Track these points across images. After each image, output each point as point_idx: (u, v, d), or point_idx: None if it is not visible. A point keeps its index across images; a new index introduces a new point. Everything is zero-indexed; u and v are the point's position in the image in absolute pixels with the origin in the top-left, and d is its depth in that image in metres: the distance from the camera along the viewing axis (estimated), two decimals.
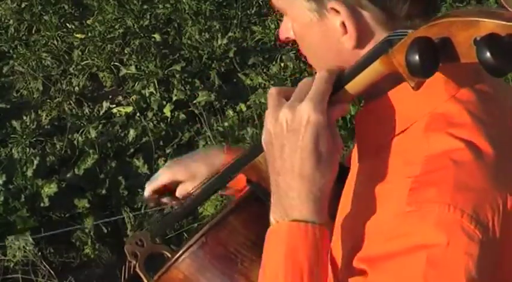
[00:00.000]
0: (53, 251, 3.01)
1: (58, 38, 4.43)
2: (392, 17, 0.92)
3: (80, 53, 4.26)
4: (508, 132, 0.95)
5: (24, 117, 3.78)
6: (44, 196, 3.09)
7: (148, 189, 1.43)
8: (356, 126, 1.04)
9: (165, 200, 1.44)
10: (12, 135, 3.63)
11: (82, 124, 3.68)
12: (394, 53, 0.86)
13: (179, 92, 3.80)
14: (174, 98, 3.79)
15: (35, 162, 3.28)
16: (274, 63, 3.98)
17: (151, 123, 3.66)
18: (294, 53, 3.97)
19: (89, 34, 4.40)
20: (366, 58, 0.91)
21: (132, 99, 3.86)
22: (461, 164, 0.86)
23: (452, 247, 0.82)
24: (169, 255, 1.30)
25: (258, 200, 1.22)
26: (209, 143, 3.45)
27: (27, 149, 3.48)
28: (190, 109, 3.71)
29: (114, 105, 3.87)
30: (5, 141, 3.63)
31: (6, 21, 4.70)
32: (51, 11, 4.67)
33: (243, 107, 3.69)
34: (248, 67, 4.03)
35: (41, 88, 4.05)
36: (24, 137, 3.60)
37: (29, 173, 3.23)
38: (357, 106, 0.96)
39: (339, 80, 0.95)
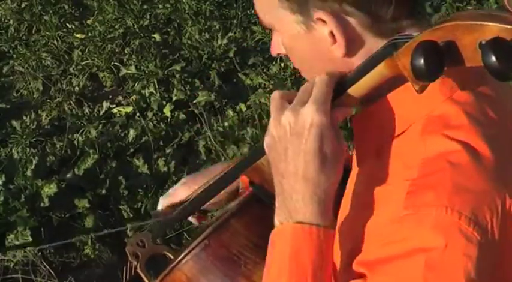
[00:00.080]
0: (53, 251, 3.00)
1: (58, 38, 4.42)
2: (378, 21, 0.92)
3: (80, 53, 4.25)
4: (508, 134, 0.95)
5: (24, 117, 3.78)
6: (44, 196, 3.09)
7: (163, 203, 1.42)
8: (354, 129, 1.05)
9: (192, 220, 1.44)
10: (12, 135, 3.63)
11: (82, 124, 3.68)
12: (399, 56, 0.86)
13: (179, 92, 3.79)
14: (174, 98, 3.79)
15: (35, 162, 3.28)
16: (274, 63, 3.98)
17: (151, 123, 3.65)
18: None
19: (89, 34, 4.40)
20: (370, 61, 0.91)
21: (132, 99, 3.86)
22: (458, 166, 0.87)
23: (450, 249, 0.82)
24: (171, 256, 1.30)
25: (260, 202, 1.22)
26: (209, 143, 3.45)
27: (27, 149, 3.48)
28: (190, 109, 3.71)
29: (114, 105, 3.87)
30: (5, 141, 3.63)
31: (6, 21, 4.69)
32: (51, 11, 4.66)
33: (243, 107, 3.69)
34: (248, 67, 4.03)
35: (41, 88, 4.05)
36: (24, 137, 3.60)
37: (29, 173, 3.23)
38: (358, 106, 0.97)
39: (342, 83, 0.95)
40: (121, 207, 3.14)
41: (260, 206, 1.21)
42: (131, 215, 3.09)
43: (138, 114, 3.72)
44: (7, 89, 4.15)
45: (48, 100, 3.96)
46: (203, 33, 4.25)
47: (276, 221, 0.97)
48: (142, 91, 3.89)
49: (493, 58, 0.75)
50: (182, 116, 3.69)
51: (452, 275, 0.83)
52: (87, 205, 3.07)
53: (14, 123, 3.71)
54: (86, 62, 4.17)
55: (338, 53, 0.94)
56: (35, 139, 3.60)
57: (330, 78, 0.95)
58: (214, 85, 3.86)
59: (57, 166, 3.36)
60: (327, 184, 0.93)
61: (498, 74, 0.76)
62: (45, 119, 3.81)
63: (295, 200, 0.94)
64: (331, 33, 0.93)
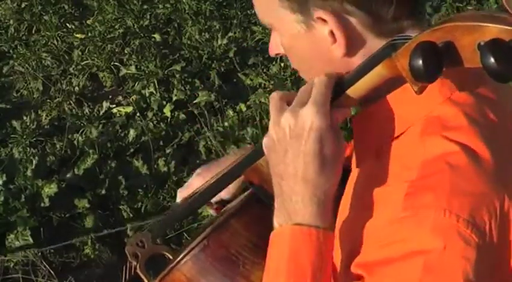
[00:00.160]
0: (53, 251, 3.00)
1: (58, 38, 4.43)
2: (379, 20, 0.92)
3: (80, 53, 4.25)
4: (508, 135, 0.95)
5: (24, 117, 3.78)
6: (44, 196, 3.09)
7: (181, 195, 1.43)
8: (354, 129, 1.04)
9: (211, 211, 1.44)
10: (12, 135, 3.63)
11: (82, 124, 3.68)
12: (398, 57, 0.85)
13: (179, 92, 3.79)
14: (174, 98, 3.79)
15: (35, 162, 3.28)
16: (274, 63, 3.98)
17: (151, 123, 3.65)
18: None
19: (89, 34, 4.40)
20: (369, 62, 0.91)
21: (132, 99, 3.86)
22: (457, 167, 0.86)
23: (448, 252, 0.82)
24: (170, 257, 1.30)
25: (259, 202, 1.22)
26: (209, 143, 3.45)
27: (28, 149, 3.48)
28: (190, 109, 3.71)
29: (114, 105, 3.87)
30: (5, 141, 3.63)
31: (6, 21, 4.69)
32: (51, 11, 4.67)
33: (243, 107, 3.69)
34: (248, 67, 4.03)
35: (41, 88, 4.05)
36: (24, 137, 3.60)
37: (29, 173, 3.23)
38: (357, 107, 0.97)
39: (341, 84, 0.95)
40: (121, 207, 3.14)
41: (260, 206, 1.21)
42: (131, 215, 3.09)
43: (138, 114, 3.72)
44: (7, 89, 4.15)
45: (48, 100, 3.96)
46: (203, 33, 4.25)
47: (275, 223, 0.97)
48: (142, 91, 3.89)
49: (492, 59, 0.75)
50: (182, 116, 3.69)
51: (451, 277, 0.83)
52: (87, 205, 3.07)
53: (14, 123, 3.71)
54: (86, 62, 4.17)
55: (338, 52, 0.94)
56: (35, 139, 3.60)
57: (329, 80, 0.95)
58: (214, 85, 3.87)
59: (57, 166, 3.36)
60: (326, 186, 0.93)
61: (497, 75, 0.76)
62: (45, 119, 3.81)
63: (295, 202, 0.93)
64: (332, 33, 0.92)
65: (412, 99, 0.90)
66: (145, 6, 4.56)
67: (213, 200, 1.36)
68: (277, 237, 0.96)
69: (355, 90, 0.94)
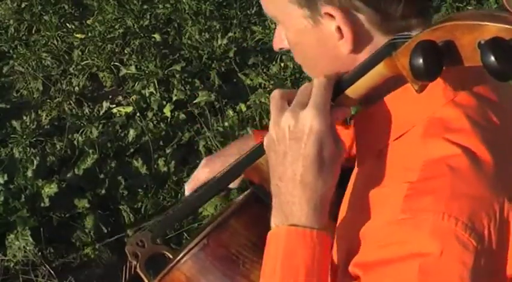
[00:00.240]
0: (53, 251, 3.00)
1: (58, 38, 4.42)
2: (387, 18, 0.91)
3: (80, 53, 4.25)
4: (510, 137, 0.95)
5: (24, 117, 3.78)
6: (44, 196, 3.09)
7: (189, 188, 1.44)
8: (355, 129, 1.04)
9: None
10: (12, 135, 3.63)
11: (82, 124, 3.68)
12: (398, 56, 0.85)
13: (179, 92, 3.79)
14: (174, 98, 3.78)
15: (35, 162, 3.28)
16: (274, 63, 3.98)
17: (151, 123, 3.65)
18: None
19: (89, 34, 4.40)
20: (369, 61, 0.91)
21: (132, 99, 3.86)
22: (458, 170, 0.86)
23: (446, 256, 0.82)
24: (170, 256, 1.31)
25: (259, 202, 1.22)
26: (209, 143, 3.45)
27: (28, 149, 3.48)
28: (190, 109, 3.71)
29: (114, 105, 3.86)
30: (5, 141, 3.63)
31: (6, 21, 4.69)
32: (51, 11, 4.66)
33: (243, 107, 3.69)
34: (248, 67, 4.03)
35: (41, 88, 4.05)
36: (24, 137, 3.60)
37: (29, 173, 3.23)
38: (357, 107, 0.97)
39: (340, 83, 0.95)
40: (121, 207, 3.13)
41: (259, 205, 1.21)
42: (131, 215, 3.09)
43: (138, 114, 3.72)
44: (7, 89, 4.15)
45: (48, 100, 3.96)
46: (203, 33, 4.25)
47: (272, 223, 0.97)
48: (142, 91, 3.88)
49: (492, 58, 0.75)
50: (182, 116, 3.69)
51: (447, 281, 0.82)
52: (87, 205, 3.07)
53: (14, 123, 3.70)
54: (86, 62, 4.17)
55: (344, 49, 0.93)
56: (35, 139, 3.60)
57: (329, 81, 0.94)
58: (214, 85, 3.86)
59: (57, 166, 3.35)
60: (324, 189, 0.93)
61: (497, 74, 0.76)
62: (45, 119, 3.81)
63: (292, 204, 0.93)
64: (339, 29, 0.91)
65: (413, 100, 0.90)
66: (145, 6, 4.56)
67: None
68: (273, 237, 0.96)
69: (355, 89, 0.94)
